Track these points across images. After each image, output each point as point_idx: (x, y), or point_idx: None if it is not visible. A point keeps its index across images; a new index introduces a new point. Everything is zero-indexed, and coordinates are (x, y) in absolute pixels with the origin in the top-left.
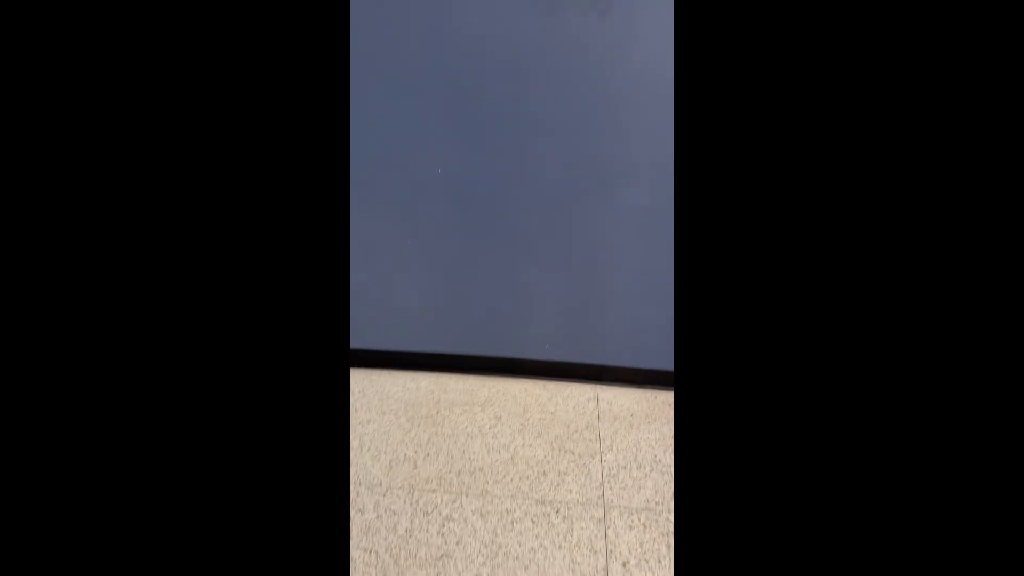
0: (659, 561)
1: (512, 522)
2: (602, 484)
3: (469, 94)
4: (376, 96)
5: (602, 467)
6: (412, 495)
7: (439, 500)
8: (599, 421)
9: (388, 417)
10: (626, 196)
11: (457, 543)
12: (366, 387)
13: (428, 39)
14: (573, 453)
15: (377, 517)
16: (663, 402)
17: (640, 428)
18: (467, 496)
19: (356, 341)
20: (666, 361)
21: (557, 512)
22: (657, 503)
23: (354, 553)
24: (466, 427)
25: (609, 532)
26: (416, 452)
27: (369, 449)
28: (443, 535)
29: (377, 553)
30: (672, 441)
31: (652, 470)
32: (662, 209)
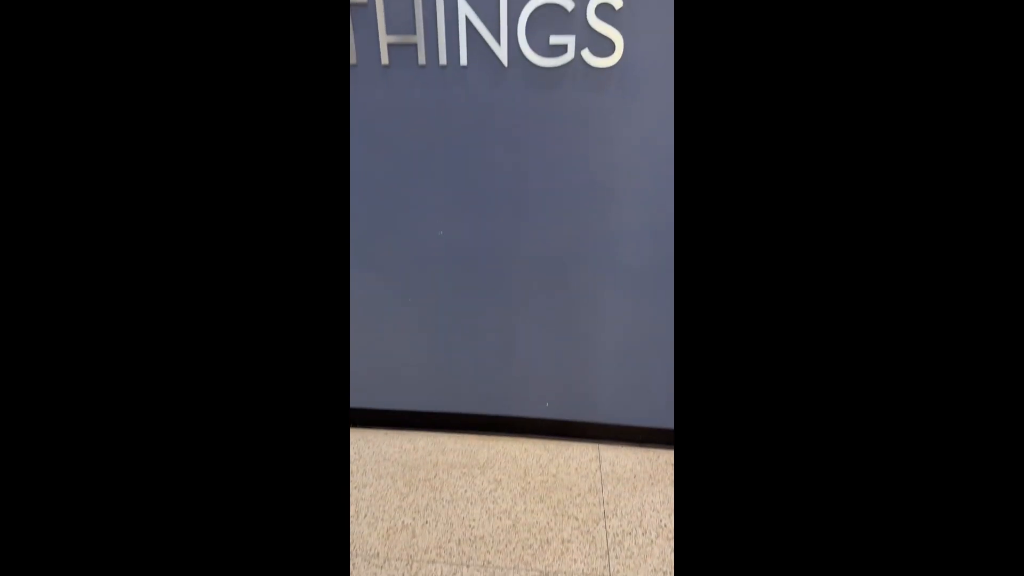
0: None
1: None
2: (607, 553)
3: (471, 160)
4: (380, 159)
5: (607, 533)
6: (411, 567)
7: (439, 572)
8: (602, 483)
9: (385, 481)
10: (624, 257)
11: None
12: (362, 448)
13: (433, 108)
14: (576, 519)
15: None
16: (665, 462)
17: (644, 491)
18: (468, 567)
19: (353, 399)
20: (667, 419)
21: None
22: (664, 573)
23: None
24: (465, 491)
25: None
26: (414, 519)
27: (366, 516)
28: None
29: None
30: None
31: (658, 536)
32: (661, 269)
